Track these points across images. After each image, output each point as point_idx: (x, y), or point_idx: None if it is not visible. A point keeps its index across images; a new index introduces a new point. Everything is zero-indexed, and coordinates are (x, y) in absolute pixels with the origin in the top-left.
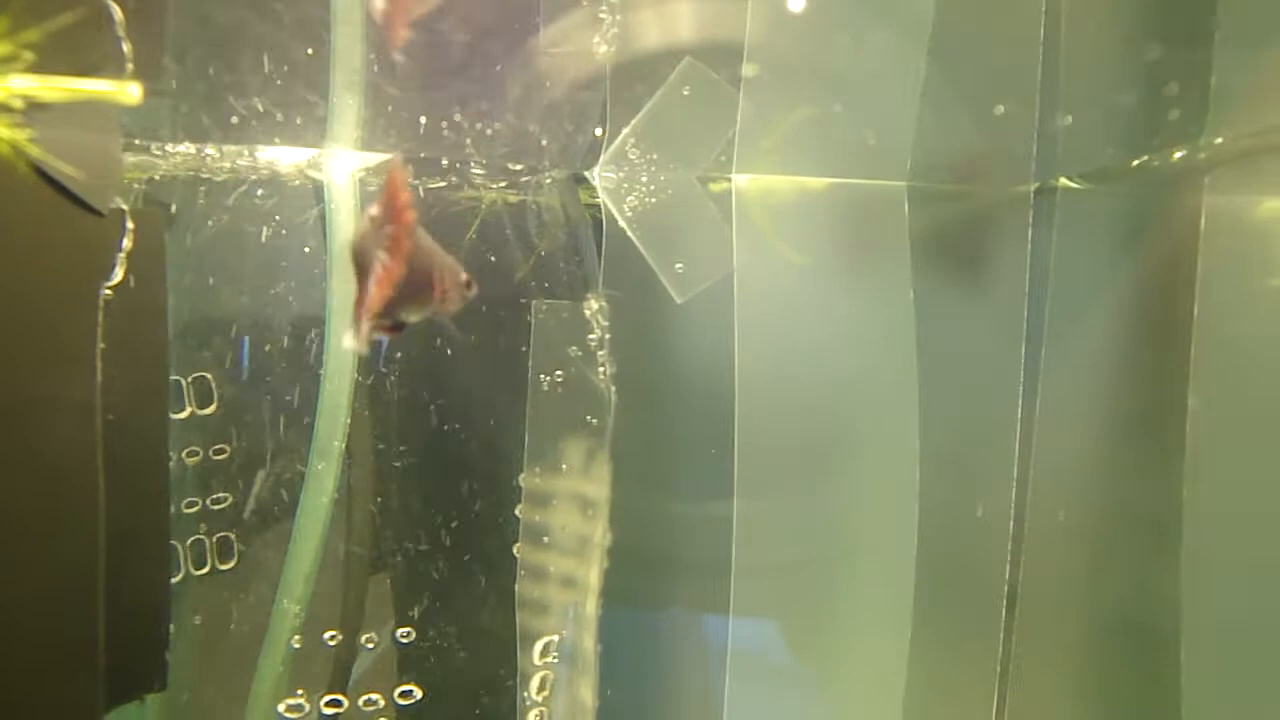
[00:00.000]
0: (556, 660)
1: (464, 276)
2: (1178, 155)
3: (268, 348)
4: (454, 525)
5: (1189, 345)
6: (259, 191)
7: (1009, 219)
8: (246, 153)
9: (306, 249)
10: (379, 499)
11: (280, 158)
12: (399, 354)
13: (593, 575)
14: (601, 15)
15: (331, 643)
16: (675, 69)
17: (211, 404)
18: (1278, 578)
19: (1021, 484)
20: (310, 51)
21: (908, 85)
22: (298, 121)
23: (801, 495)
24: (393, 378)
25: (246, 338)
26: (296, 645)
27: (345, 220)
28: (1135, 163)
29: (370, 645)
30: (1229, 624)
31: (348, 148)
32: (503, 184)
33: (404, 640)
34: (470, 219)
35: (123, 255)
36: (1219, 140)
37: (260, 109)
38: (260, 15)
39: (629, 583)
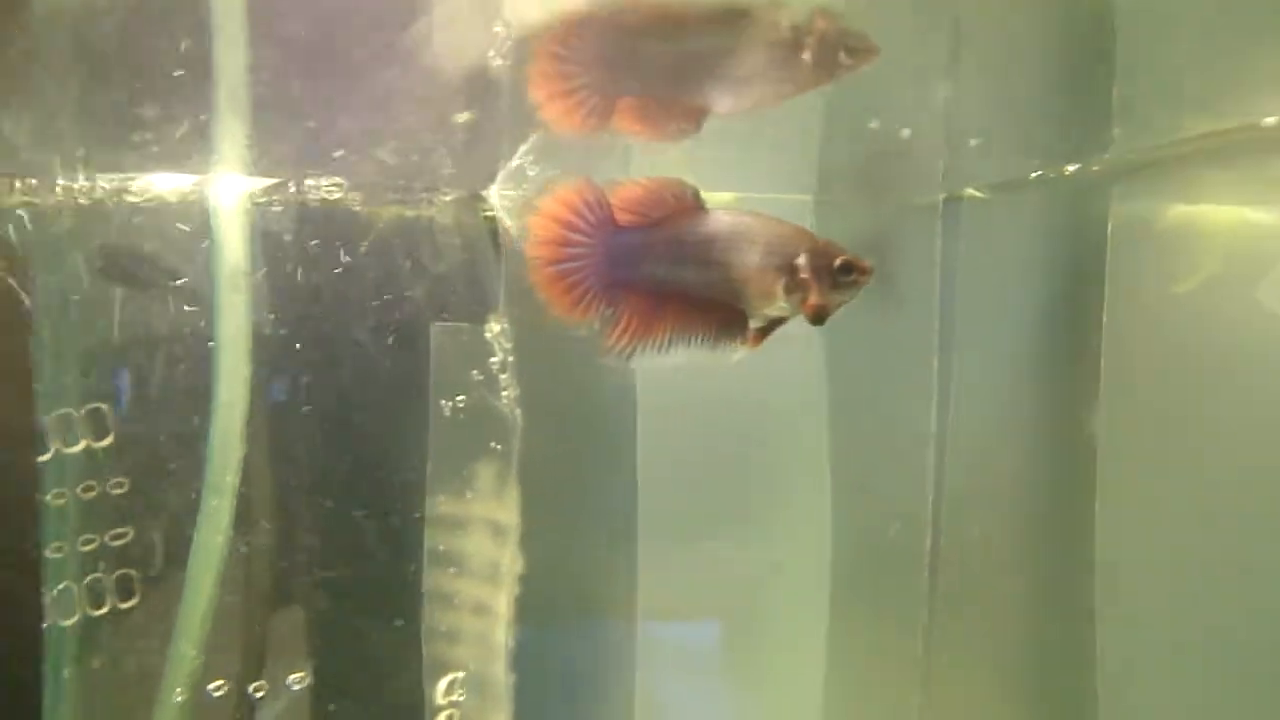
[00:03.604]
0: (464, 697)
1: (840, 259)
2: (1083, 166)
3: (165, 378)
4: (358, 557)
5: (1099, 355)
6: (148, 218)
7: (917, 230)
8: (127, 180)
9: (188, 278)
10: (279, 534)
11: (166, 183)
12: (297, 381)
13: (502, 603)
14: (497, 30)
15: (232, 686)
16: None
17: (108, 436)
18: (1190, 586)
19: (936, 501)
20: (190, 72)
21: (812, 97)
22: (182, 145)
23: (708, 518)
24: (290, 407)
25: (141, 367)
26: (191, 691)
27: (234, 246)
28: (1038, 175)
29: (273, 688)
30: (1144, 633)
31: (234, 170)
32: (397, 203)
33: (301, 684)
34: (362, 240)
35: None
36: (1124, 151)
37: (142, 133)
38: (138, 35)
39: (542, 610)
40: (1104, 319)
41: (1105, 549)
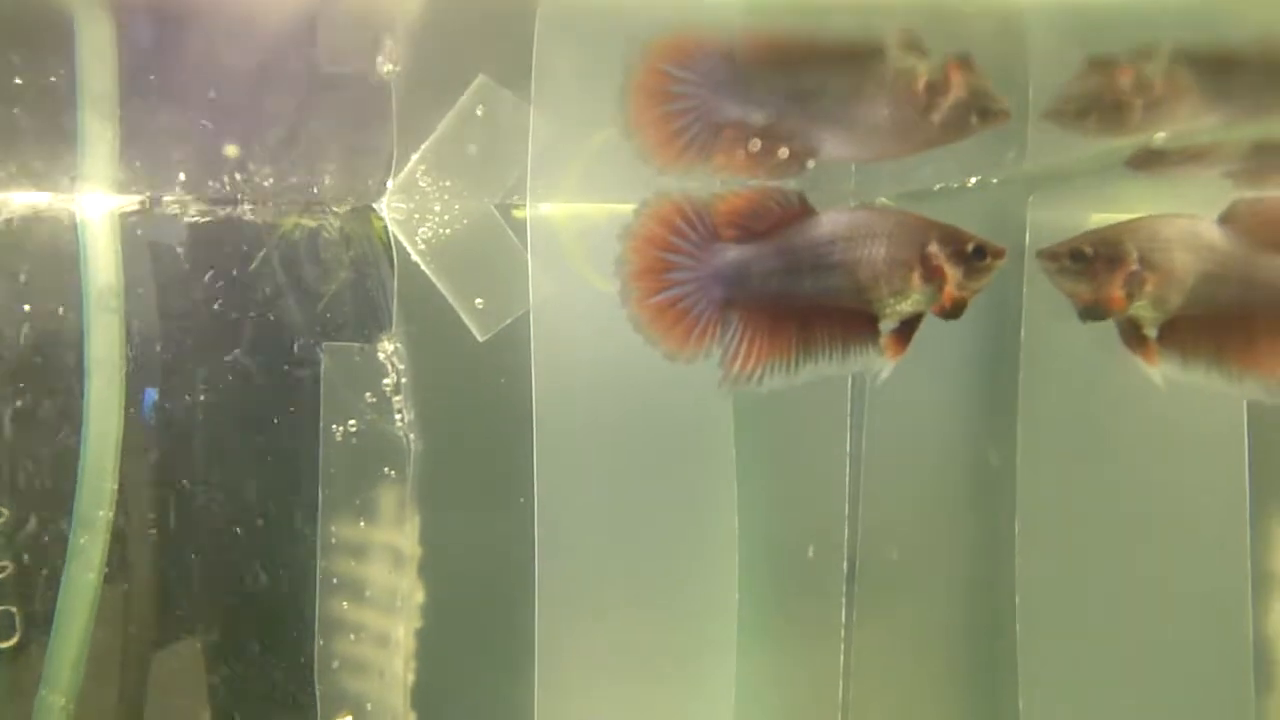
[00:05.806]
0: None
1: (972, 243)
2: (983, 178)
3: (41, 402)
4: (246, 592)
5: (1017, 371)
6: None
7: None
8: None
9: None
10: (159, 571)
11: (29, 199)
12: (176, 406)
13: (399, 632)
14: (385, 39)
15: None
16: (468, 88)
17: None
18: (1109, 607)
19: (853, 522)
20: (54, 85)
21: None
22: (46, 160)
23: (609, 539)
24: (170, 434)
25: (19, 391)
26: None
27: (104, 264)
28: (948, 185)
29: None
30: (1064, 656)
31: (102, 185)
32: (283, 218)
33: None
34: (249, 257)
35: None
36: (1037, 161)
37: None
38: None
39: (443, 639)
40: (1022, 333)
41: (1026, 574)
